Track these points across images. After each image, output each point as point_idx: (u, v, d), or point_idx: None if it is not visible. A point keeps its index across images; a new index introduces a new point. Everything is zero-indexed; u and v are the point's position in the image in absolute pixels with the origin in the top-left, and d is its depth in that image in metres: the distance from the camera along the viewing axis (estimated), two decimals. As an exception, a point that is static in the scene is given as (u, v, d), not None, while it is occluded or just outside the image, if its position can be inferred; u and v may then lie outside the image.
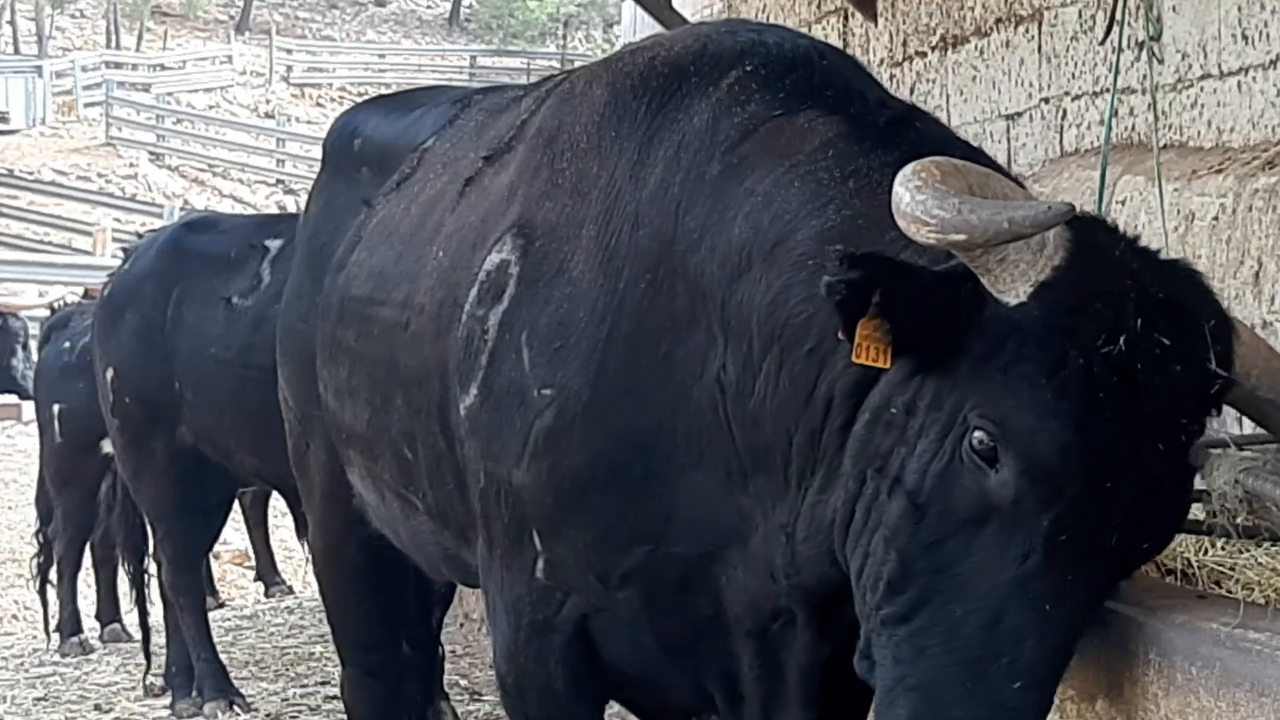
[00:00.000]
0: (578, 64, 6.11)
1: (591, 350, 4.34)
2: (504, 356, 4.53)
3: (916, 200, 3.44)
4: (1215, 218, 6.72)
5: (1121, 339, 3.43)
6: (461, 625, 11.11)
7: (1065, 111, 8.39)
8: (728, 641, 4.34)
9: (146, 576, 10.92)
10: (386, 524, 5.72)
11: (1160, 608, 3.63)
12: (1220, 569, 4.70)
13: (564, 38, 58.66)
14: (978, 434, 3.51)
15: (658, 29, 11.26)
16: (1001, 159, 8.84)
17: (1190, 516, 5.02)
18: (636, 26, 15.20)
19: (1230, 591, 3.91)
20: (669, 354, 4.24)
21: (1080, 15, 8.20)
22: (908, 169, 3.52)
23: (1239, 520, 3.62)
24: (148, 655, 10.64)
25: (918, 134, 4.19)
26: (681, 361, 4.22)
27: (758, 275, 4.05)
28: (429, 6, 65.02)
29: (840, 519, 3.82)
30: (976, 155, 4.08)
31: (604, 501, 4.34)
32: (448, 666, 9.59)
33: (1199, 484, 3.68)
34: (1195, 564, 4.10)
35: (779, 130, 4.27)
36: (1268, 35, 6.76)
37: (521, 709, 4.79)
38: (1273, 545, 4.79)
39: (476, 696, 9.63)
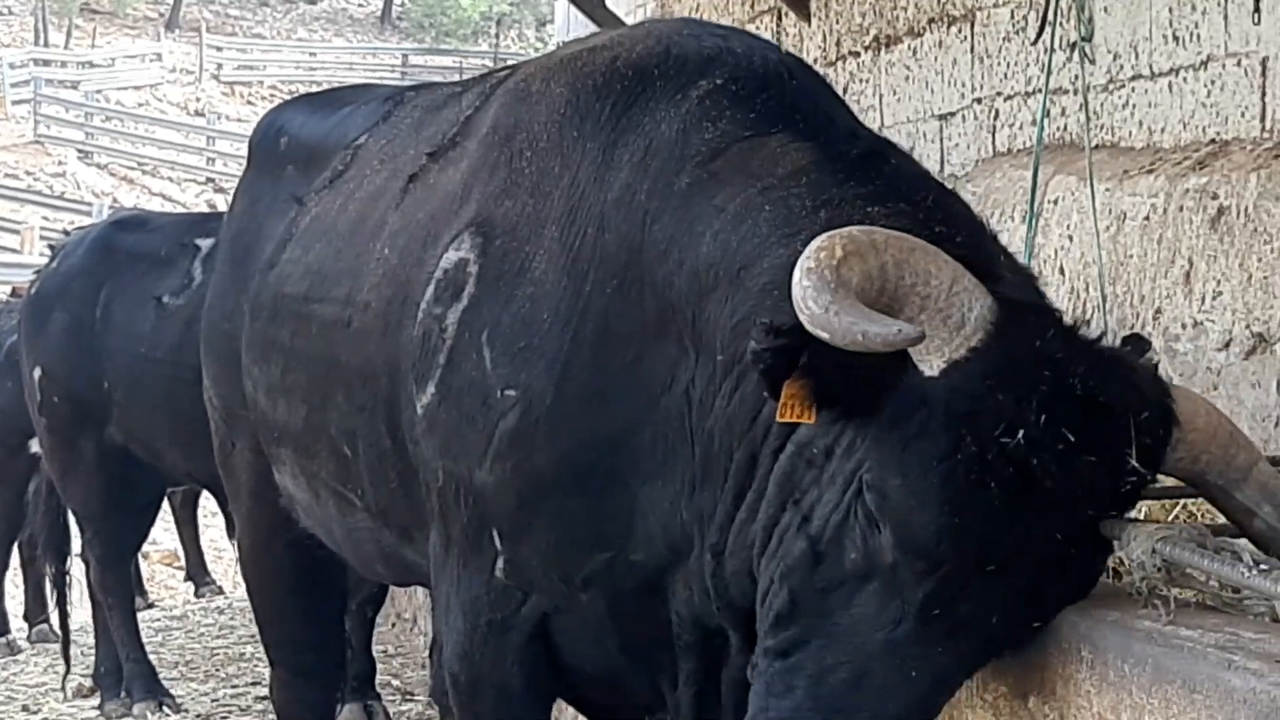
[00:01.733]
0: (510, 63, 6.06)
1: (556, 352, 4.32)
2: (464, 355, 4.50)
3: (801, 285, 3.45)
4: (1146, 218, 6.75)
5: (1020, 432, 3.41)
6: (393, 625, 11.09)
7: (998, 112, 8.42)
8: (674, 650, 4.34)
9: (69, 577, 10.86)
10: (320, 523, 5.68)
11: (1093, 605, 3.64)
12: (1152, 567, 4.73)
13: (497, 36, 58.53)
14: (868, 497, 3.54)
15: (591, 28, 11.25)
16: (934, 159, 8.87)
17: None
18: (570, 25, 15.20)
19: (1164, 590, 3.92)
20: (637, 360, 4.23)
21: (1013, 16, 8.23)
22: (814, 244, 3.51)
23: (1160, 591, 3.60)
24: (67, 658, 10.56)
25: (892, 169, 4.17)
26: (650, 369, 4.21)
27: (723, 296, 4.05)
28: (361, 5, 64.82)
29: (760, 540, 3.85)
30: (948, 199, 4.09)
31: (568, 504, 4.33)
32: (379, 666, 9.57)
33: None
34: (1127, 563, 4.11)
35: (751, 151, 4.25)
36: (1198, 36, 6.80)
37: (472, 708, 4.76)
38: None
39: (408, 696, 9.61)
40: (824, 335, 3.43)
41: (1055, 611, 3.62)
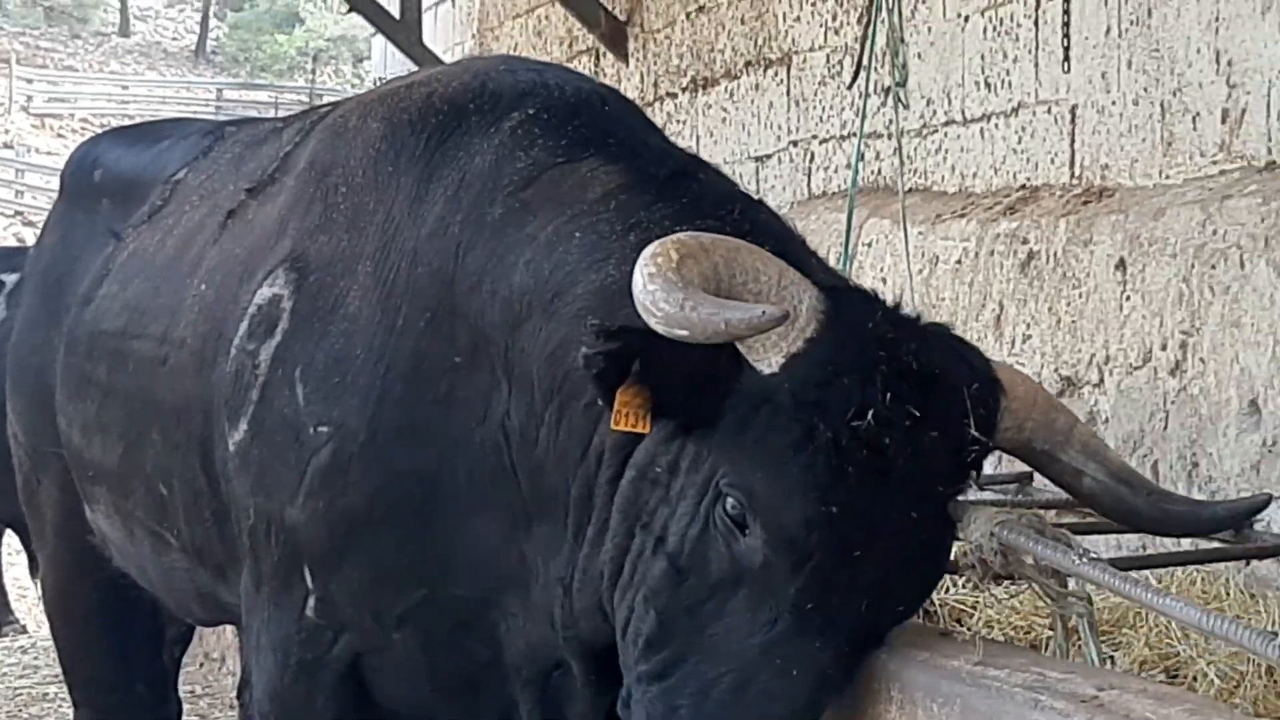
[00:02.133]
0: (327, 99, 6.02)
1: (369, 388, 4.27)
2: (276, 392, 4.45)
3: (647, 290, 3.45)
4: (958, 261, 6.83)
5: (870, 412, 3.45)
6: (201, 665, 10.92)
7: (813, 154, 8.50)
8: (507, 687, 4.30)
9: None
10: (133, 561, 5.59)
11: (902, 645, 3.66)
12: (961, 607, 4.77)
13: (313, 72, 58.15)
14: (729, 501, 3.54)
15: (409, 65, 11.23)
16: (750, 201, 8.92)
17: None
18: (387, 62, 15.15)
19: (971, 629, 3.96)
20: (450, 394, 4.19)
21: (828, 60, 8.31)
22: (647, 251, 3.52)
23: (994, 571, 3.65)
24: None
25: (700, 186, 4.18)
26: (463, 402, 4.17)
27: (537, 325, 4.03)
28: (174, 38, 64.13)
29: (609, 573, 3.82)
30: (755, 210, 4.11)
31: (381, 541, 4.28)
32: (187, 707, 9.40)
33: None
34: (937, 602, 4.14)
35: (562, 178, 4.24)
36: (1009, 83, 6.90)
37: None
38: (1012, 584, 4.87)
39: (216, 737, 9.47)
40: (682, 333, 3.42)
41: (919, 597, 3.71)
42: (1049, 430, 3.74)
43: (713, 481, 3.58)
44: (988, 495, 4.31)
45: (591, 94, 4.51)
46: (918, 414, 3.49)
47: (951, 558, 3.81)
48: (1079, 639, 3.71)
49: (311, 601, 4.42)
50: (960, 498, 3.66)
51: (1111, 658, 3.98)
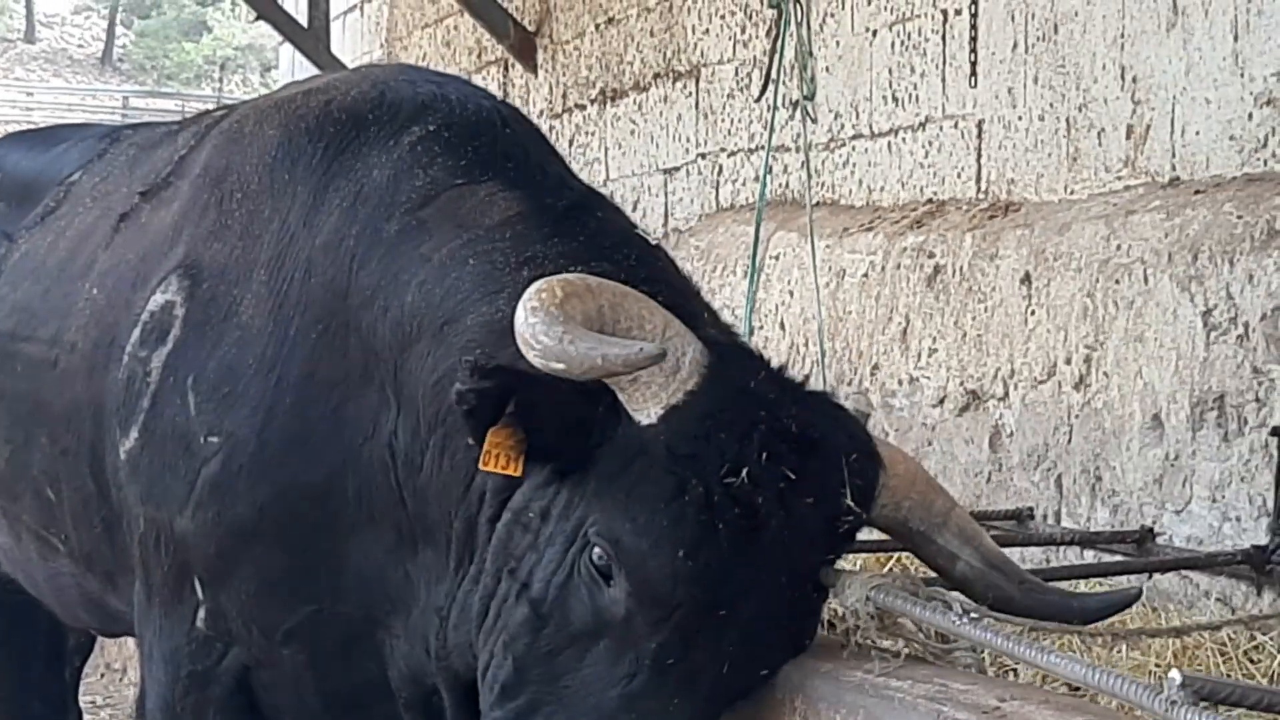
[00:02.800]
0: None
1: (260, 398, 4.21)
2: (168, 400, 4.38)
3: (528, 323, 3.41)
4: (865, 274, 6.85)
5: (744, 470, 3.40)
6: (102, 675, 10.82)
7: (721, 167, 8.51)
8: (392, 705, 4.27)
9: None
10: (20, 567, 5.51)
11: (806, 656, 3.65)
12: (865, 619, 4.77)
13: (221, 81, 57.85)
14: (596, 550, 3.49)
15: (317, 74, 11.15)
16: (659, 213, 8.94)
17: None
18: (295, 71, 15.07)
19: (875, 642, 3.95)
20: (339, 408, 4.14)
21: (737, 73, 8.32)
22: (533, 288, 3.48)
23: (871, 639, 3.63)
24: None
25: (598, 224, 4.14)
26: (353, 418, 4.12)
27: (425, 350, 3.98)
28: (80, 45, 63.66)
29: (478, 613, 3.78)
30: (651, 256, 4.09)
31: (269, 554, 4.21)
32: (88, 717, 9.32)
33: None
34: (839, 614, 4.13)
35: (460, 199, 4.19)
36: (917, 98, 6.93)
37: None
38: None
39: (116, 749, 9.39)
40: (559, 367, 3.39)
41: (782, 660, 3.63)
42: (926, 511, 3.69)
43: (581, 530, 3.53)
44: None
45: (492, 112, 4.47)
46: (793, 477, 3.44)
47: (826, 622, 3.81)
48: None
49: (201, 613, 4.36)
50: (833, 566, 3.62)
51: (1015, 670, 3.99)
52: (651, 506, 3.43)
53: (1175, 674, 2.76)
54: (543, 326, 3.39)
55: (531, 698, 3.54)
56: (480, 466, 3.57)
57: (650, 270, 3.96)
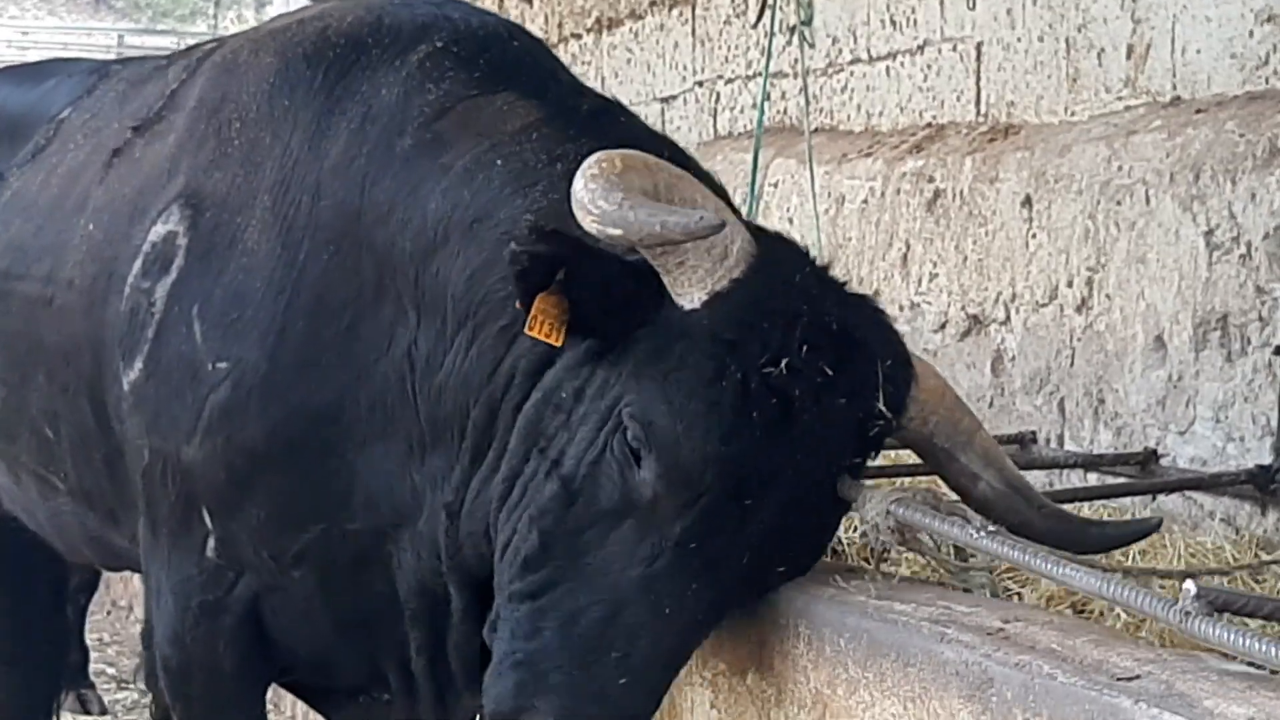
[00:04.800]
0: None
1: (270, 323, 4.23)
2: (173, 329, 4.40)
3: (588, 189, 3.44)
4: (864, 201, 6.83)
5: (784, 361, 3.42)
6: (109, 613, 10.87)
7: (719, 95, 8.47)
8: (400, 623, 4.28)
9: None
10: (21, 506, 5.52)
11: (809, 581, 3.65)
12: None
13: (215, 17, 57.66)
14: (629, 431, 3.51)
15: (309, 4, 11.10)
16: (656, 141, 8.89)
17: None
18: (290, 6, 15.00)
19: (879, 566, 3.95)
20: (352, 327, 4.16)
21: (733, 0, 8.28)
22: (593, 157, 3.51)
23: (890, 551, 3.65)
24: None
25: (624, 128, 4.17)
26: (366, 335, 4.14)
27: (455, 250, 3.99)
28: (76, -17, 63.52)
29: (499, 494, 3.79)
30: (683, 155, 4.07)
31: (281, 477, 4.24)
32: (94, 655, 9.37)
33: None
34: (845, 540, 4.14)
35: (477, 109, 4.21)
36: (915, 21, 6.89)
37: (184, 691, 4.65)
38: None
39: (123, 685, 9.43)
40: (616, 233, 3.40)
41: (799, 562, 3.65)
42: (952, 429, 3.72)
43: (616, 409, 3.55)
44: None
45: (498, 25, 4.51)
46: (830, 373, 3.46)
47: (843, 535, 3.82)
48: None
49: (211, 542, 4.38)
50: (856, 474, 3.63)
51: (1019, 594, 3.99)
52: (688, 390, 3.45)
53: (1190, 585, 2.77)
54: (602, 192, 3.42)
55: (553, 572, 3.57)
56: (526, 330, 3.58)
57: (686, 168, 3.96)
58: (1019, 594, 3.99)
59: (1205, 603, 2.74)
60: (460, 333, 3.96)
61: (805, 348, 3.45)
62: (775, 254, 3.64)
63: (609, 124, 4.15)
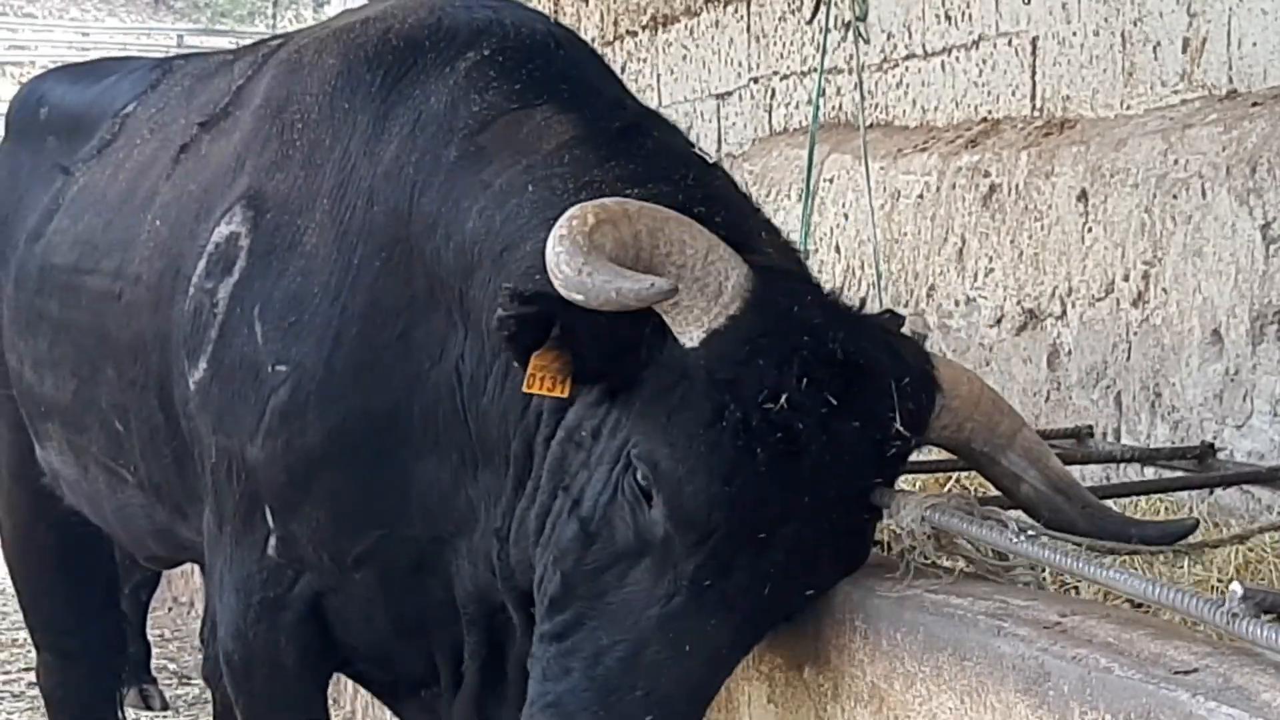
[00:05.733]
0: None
1: (326, 326, 4.27)
2: (235, 330, 4.44)
3: (554, 252, 3.43)
4: (920, 195, 6.82)
5: (784, 396, 3.40)
6: (170, 609, 10.93)
7: (774, 91, 8.47)
8: (456, 626, 4.31)
9: None
10: (88, 499, 5.57)
11: (866, 575, 3.66)
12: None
13: (274, 17, 57.87)
14: (638, 472, 3.52)
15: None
16: (712, 138, 8.91)
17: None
18: (347, 5, 15.05)
19: (936, 560, 3.95)
20: (406, 334, 4.19)
21: (788, -5, 8.28)
22: (567, 214, 3.50)
23: (930, 560, 3.64)
24: None
25: (655, 145, 4.16)
26: (419, 342, 4.17)
27: (486, 278, 4.01)
28: (134, -16, 63.78)
29: (534, 529, 3.82)
30: (710, 175, 4.08)
31: (338, 480, 4.28)
32: (155, 650, 9.42)
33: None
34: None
35: (517, 124, 4.22)
36: (970, 16, 6.88)
37: (246, 686, 4.70)
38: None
39: (185, 680, 9.47)
40: (578, 298, 3.40)
41: (830, 581, 3.64)
42: (990, 433, 3.70)
43: (625, 450, 3.56)
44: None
45: (546, 35, 4.49)
46: (835, 403, 3.44)
47: (884, 543, 3.81)
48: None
49: (273, 541, 4.42)
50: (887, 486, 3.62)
51: (1075, 588, 3.99)
52: (689, 431, 3.45)
53: (1237, 586, 2.76)
54: (566, 256, 3.41)
55: (578, 612, 3.58)
56: (524, 389, 3.60)
57: (707, 190, 3.96)
58: (1075, 587, 3.98)
59: (1252, 604, 2.74)
60: (496, 361, 3.98)
61: (805, 380, 3.43)
62: (773, 286, 3.60)
63: (639, 143, 4.13)
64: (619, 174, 3.96)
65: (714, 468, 3.42)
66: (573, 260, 3.40)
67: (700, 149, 4.30)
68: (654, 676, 3.48)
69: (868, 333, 3.65)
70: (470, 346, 4.06)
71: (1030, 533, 3.38)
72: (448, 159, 4.22)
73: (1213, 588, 3.98)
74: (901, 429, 3.53)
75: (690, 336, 3.51)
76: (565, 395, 3.63)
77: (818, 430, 3.44)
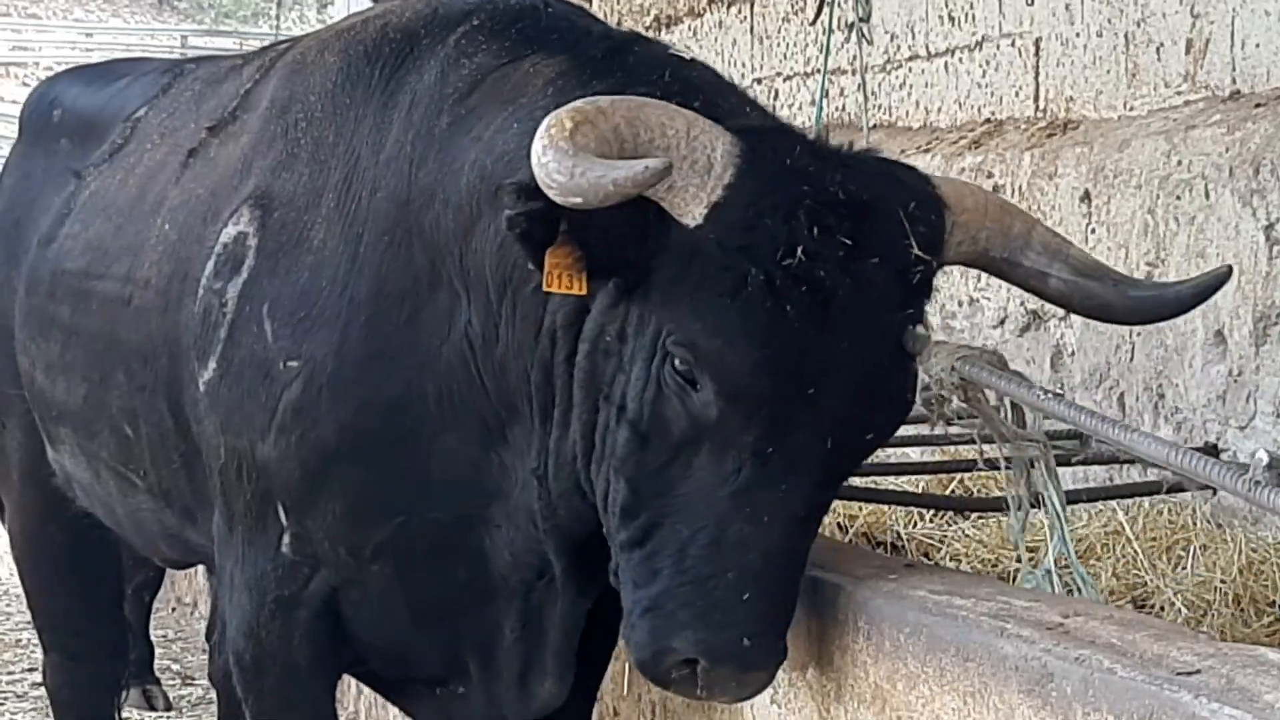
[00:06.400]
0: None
1: (335, 319, 4.27)
2: (244, 329, 4.44)
3: (541, 163, 3.44)
4: (923, 196, 6.81)
5: (799, 249, 3.41)
6: (174, 610, 10.94)
7: (777, 92, 8.48)
8: (487, 608, 4.31)
9: None
10: (100, 503, 5.58)
11: (869, 576, 3.67)
12: (929, 541, 4.78)
13: (278, 18, 57.83)
14: (676, 359, 3.53)
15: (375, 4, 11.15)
16: (715, 139, 8.90)
17: (899, 490, 5.11)
18: (350, 6, 15.06)
19: (938, 562, 3.96)
20: (413, 317, 4.19)
21: (792, -4, 8.29)
22: (543, 124, 3.50)
23: (951, 405, 3.64)
24: None
25: (635, 59, 4.13)
26: (427, 323, 4.17)
27: (487, 223, 4.00)
28: (138, -15, 63.79)
29: (582, 450, 3.82)
30: (686, 69, 4.07)
31: (354, 472, 4.28)
32: (159, 651, 9.42)
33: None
34: (905, 536, 4.15)
35: (505, 78, 4.22)
36: (973, 17, 6.89)
37: (257, 686, 4.68)
38: (979, 518, 4.88)
39: (189, 681, 9.47)
40: (577, 200, 3.40)
41: (886, 426, 3.67)
42: (1004, 237, 3.69)
43: (659, 342, 3.56)
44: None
45: (536, 1, 4.49)
46: (850, 243, 3.46)
47: (902, 531, 3.81)
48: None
49: (286, 538, 4.41)
50: (917, 322, 3.61)
51: (1078, 588, 4.00)
52: (717, 305, 3.46)
53: (1262, 453, 2.76)
54: (554, 164, 3.42)
55: (651, 514, 3.59)
56: (544, 288, 3.61)
57: (685, 81, 3.97)
58: (1078, 588, 3.99)
59: (1276, 473, 2.72)
60: (503, 302, 3.97)
61: (815, 227, 3.45)
62: (761, 145, 3.61)
63: (619, 61, 4.11)
64: (599, 91, 3.93)
65: (751, 333, 3.43)
66: (562, 165, 3.40)
67: (678, 50, 4.29)
68: (741, 555, 3.48)
69: (864, 168, 3.66)
70: (475, 307, 4.06)
71: (1055, 391, 3.37)
72: (440, 128, 4.22)
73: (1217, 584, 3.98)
74: (919, 253, 3.54)
75: (692, 216, 3.52)
76: (583, 291, 3.63)
77: (839, 274, 3.44)
